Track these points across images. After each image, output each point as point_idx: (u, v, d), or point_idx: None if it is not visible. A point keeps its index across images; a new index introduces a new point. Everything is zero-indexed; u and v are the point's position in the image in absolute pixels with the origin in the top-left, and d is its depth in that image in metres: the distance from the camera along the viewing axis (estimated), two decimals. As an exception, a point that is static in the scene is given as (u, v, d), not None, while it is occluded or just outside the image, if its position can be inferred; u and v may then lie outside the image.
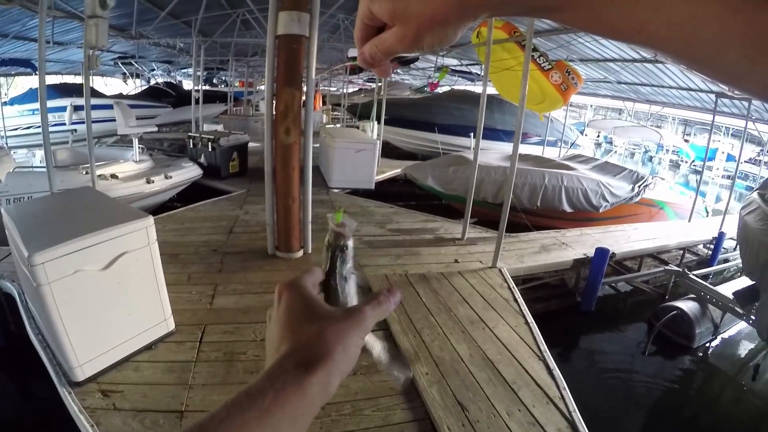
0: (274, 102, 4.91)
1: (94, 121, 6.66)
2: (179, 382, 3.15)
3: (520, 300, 4.82)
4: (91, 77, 9.01)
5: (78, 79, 17.07)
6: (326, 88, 28.07)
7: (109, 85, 24.56)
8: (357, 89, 31.46)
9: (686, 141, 24.99)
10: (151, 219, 3.28)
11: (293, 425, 0.43)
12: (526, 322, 4.38)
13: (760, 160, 21.53)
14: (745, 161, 21.56)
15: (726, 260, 8.86)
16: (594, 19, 0.32)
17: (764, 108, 10.44)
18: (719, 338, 6.51)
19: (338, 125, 18.08)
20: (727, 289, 6.13)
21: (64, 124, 12.82)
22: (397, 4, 0.36)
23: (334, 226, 0.62)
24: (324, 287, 0.60)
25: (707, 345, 6.34)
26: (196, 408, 2.91)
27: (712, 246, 8.56)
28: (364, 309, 0.52)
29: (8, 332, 4.50)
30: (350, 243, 0.63)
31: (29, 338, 3.52)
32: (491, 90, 8.59)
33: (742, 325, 6.60)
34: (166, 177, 8.18)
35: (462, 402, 3.17)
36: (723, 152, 25.27)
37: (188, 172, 8.80)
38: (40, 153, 7.47)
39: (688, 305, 6.26)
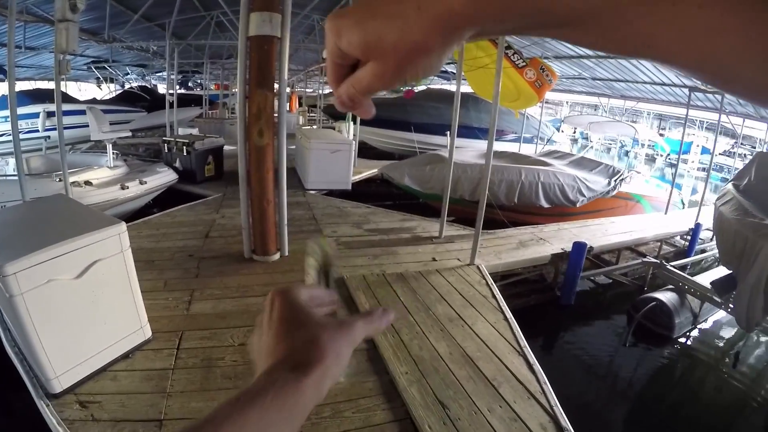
0: (246, 104, 4.88)
1: (67, 128, 6.57)
2: (157, 390, 3.11)
3: (499, 296, 4.85)
4: (64, 82, 8.88)
5: (51, 85, 16.77)
6: (302, 89, 27.96)
7: (83, 90, 24.24)
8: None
9: (661, 135, 25.35)
10: (123, 225, 3.24)
11: (290, 423, 0.45)
12: (505, 318, 4.40)
13: (734, 152, 21.93)
14: (719, 153, 21.99)
15: (703, 251, 9.02)
16: (600, 35, 0.29)
17: (737, 101, 10.65)
18: (699, 327, 6.62)
19: (314, 126, 18.03)
20: (705, 279, 6.23)
21: (38, 131, 12.59)
22: (369, 37, 0.32)
23: (321, 250, 0.66)
24: None
25: (687, 334, 6.45)
26: (175, 416, 2.87)
27: (689, 237, 8.71)
28: (356, 322, 0.54)
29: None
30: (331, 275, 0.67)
31: (5, 350, 3.44)
32: (466, 88, 8.64)
33: (721, 314, 6.73)
34: (141, 183, 8.07)
35: (443, 400, 3.17)
36: (698, 145, 25.71)
37: (163, 177, 8.70)
38: (12, 161, 7.31)
39: (666, 296, 6.36)
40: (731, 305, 5.72)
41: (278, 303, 0.54)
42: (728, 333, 6.71)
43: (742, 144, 22.07)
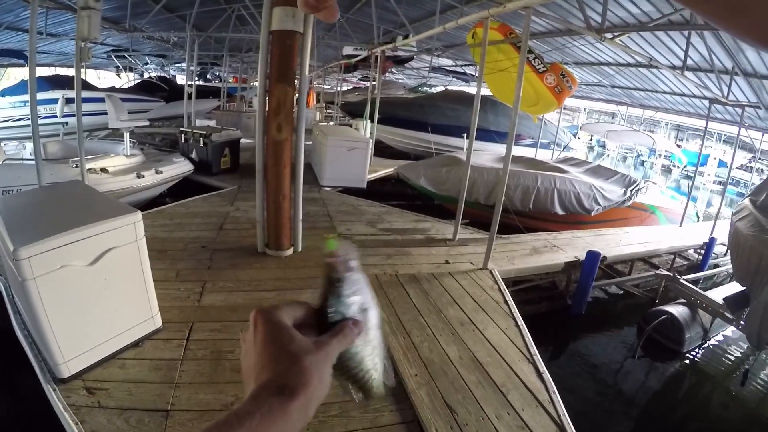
0: (266, 98, 4.88)
1: (85, 114, 6.59)
2: (165, 380, 3.11)
3: (511, 302, 4.81)
4: (83, 70, 8.93)
5: (71, 72, 16.93)
6: (320, 85, 27.99)
7: (102, 78, 24.38)
8: (351, 88, 31.39)
9: (678, 146, 25.09)
10: (139, 214, 3.24)
11: None
12: (517, 325, 4.36)
13: (751, 167, 21.66)
14: (736, 167, 21.71)
15: (716, 265, 8.90)
16: None
17: (756, 115, 10.50)
18: (709, 343, 6.52)
19: (331, 123, 18.04)
20: (718, 295, 6.13)
21: (56, 116, 12.70)
22: None
23: (325, 258, 0.59)
24: (317, 323, 0.59)
25: (697, 350, 6.36)
26: (182, 407, 2.87)
27: (702, 251, 8.60)
28: (332, 341, 0.55)
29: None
30: (350, 275, 0.59)
31: (15, 334, 3.46)
32: (485, 91, 8.60)
33: (731, 331, 6.63)
34: (157, 172, 8.12)
35: (451, 404, 3.15)
36: (715, 158, 25.43)
37: (179, 168, 8.75)
38: (30, 145, 7.38)
39: (678, 310, 6.27)
40: (743, 322, 5.63)
41: (261, 324, 0.55)
42: (738, 350, 6.60)
43: (760, 159, 21.79)
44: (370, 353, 0.63)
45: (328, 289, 0.58)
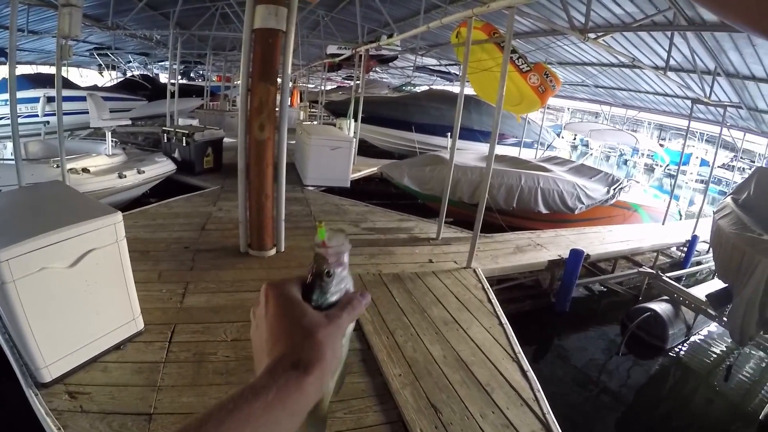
0: (248, 97, 4.85)
1: (66, 113, 6.53)
2: (148, 383, 3.08)
3: (495, 301, 4.83)
4: (65, 68, 8.82)
5: (53, 70, 16.72)
6: (304, 84, 27.91)
7: (84, 76, 24.11)
8: (335, 87, 31.32)
9: (661, 145, 25.38)
10: (119, 215, 3.20)
11: (291, 419, 0.47)
12: (501, 323, 4.38)
13: (733, 166, 21.96)
14: (718, 166, 22.00)
15: (699, 263, 9.02)
16: None
17: (738, 115, 10.65)
18: (692, 339, 6.61)
19: (315, 122, 18.00)
20: (700, 292, 6.22)
21: (37, 115, 12.53)
22: None
23: (315, 247, 0.57)
24: None
25: (680, 346, 6.44)
26: (165, 410, 2.84)
27: (685, 249, 8.71)
28: (342, 314, 0.56)
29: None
30: (339, 270, 0.57)
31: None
32: (469, 90, 8.62)
33: (714, 327, 6.72)
34: (139, 172, 8.03)
35: (435, 404, 3.15)
36: (697, 157, 25.75)
37: (162, 167, 8.66)
38: (10, 145, 7.27)
39: (661, 307, 6.34)
40: (725, 318, 5.71)
41: (272, 297, 0.56)
42: (721, 346, 6.69)
43: (741, 158, 22.10)
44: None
45: (314, 281, 0.57)
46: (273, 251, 5.46)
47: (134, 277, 3.43)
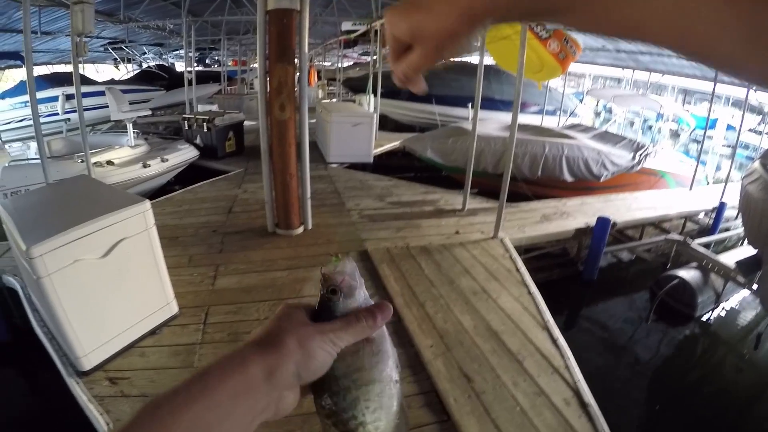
0: (267, 79, 4.84)
1: (86, 109, 6.59)
2: (185, 365, 3.16)
3: (523, 270, 4.81)
4: (81, 65, 8.91)
5: (69, 68, 16.89)
6: (321, 63, 27.77)
7: (100, 71, 24.36)
8: (352, 63, 31.08)
9: (686, 111, 24.77)
10: (148, 203, 3.25)
11: (233, 401, 0.43)
12: (530, 292, 4.37)
13: (760, 131, 21.32)
14: (746, 131, 21.36)
15: (727, 229, 8.79)
16: (593, 21, 0.34)
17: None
18: (721, 307, 6.49)
19: (334, 100, 17.93)
20: (729, 258, 6.08)
21: (58, 114, 12.72)
22: (414, 27, 0.41)
23: (325, 269, 0.53)
24: None
25: (709, 314, 6.32)
26: (203, 389, 2.90)
27: (713, 215, 8.48)
28: (336, 322, 0.52)
29: (14, 327, 4.49)
30: (349, 289, 0.53)
31: (35, 331, 3.51)
32: (488, 60, 8.49)
33: (744, 294, 6.59)
34: (163, 160, 8.13)
35: (467, 373, 3.17)
36: (723, 122, 25.03)
37: (185, 154, 8.75)
38: (34, 145, 7.40)
39: (690, 274, 6.22)
40: (755, 286, 5.61)
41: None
42: (751, 314, 6.54)
43: (769, 122, 21.46)
44: (372, 397, 0.53)
45: (321, 302, 0.54)
46: (300, 229, 5.52)
47: (165, 263, 3.50)
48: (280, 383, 0.47)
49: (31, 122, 5.58)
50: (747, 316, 6.50)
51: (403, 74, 0.46)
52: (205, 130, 9.28)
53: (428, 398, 2.97)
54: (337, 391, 0.51)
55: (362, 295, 0.55)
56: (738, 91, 15.50)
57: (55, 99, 12.81)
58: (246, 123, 10.30)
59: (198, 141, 9.41)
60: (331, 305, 0.53)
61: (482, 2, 0.37)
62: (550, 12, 0.36)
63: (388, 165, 10.43)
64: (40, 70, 15.69)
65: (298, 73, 4.92)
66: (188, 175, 8.68)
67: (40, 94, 5.55)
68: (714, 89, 9.90)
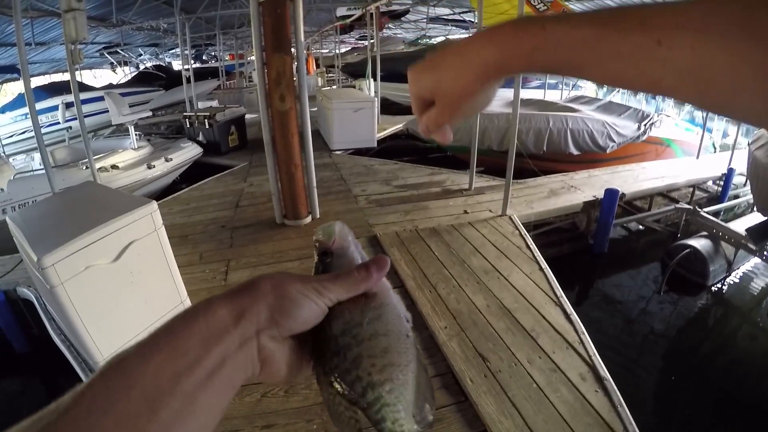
0: (265, 71, 4.83)
1: (87, 115, 6.61)
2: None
3: (533, 246, 4.79)
4: (78, 72, 8.90)
5: (66, 76, 16.90)
6: (318, 50, 27.63)
7: (98, 77, 24.31)
8: (350, 48, 30.89)
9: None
10: (154, 204, 3.25)
11: (203, 347, 0.38)
12: (541, 269, 4.35)
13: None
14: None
15: (736, 196, 8.69)
16: (609, 77, 0.35)
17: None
18: (733, 275, 6.43)
19: (334, 87, 17.86)
20: (740, 226, 6.01)
21: (59, 123, 12.78)
22: (432, 84, 0.45)
23: (316, 236, 0.53)
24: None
25: (721, 282, 6.27)
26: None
27: (721, 183, 8.36)
28: (323, 275, 0.49)
29: (32, 337, 4.55)
30: (342, 250, 0.52)
31: (53, 340, 3.54)
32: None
33: (755, 262, 6.54)
34: (167, 160, 8.16)
35: (482, 353, 3.18)
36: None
37: (188, 152, 8.79)
38: (38, 156, 7.44)
39: (700, 243, 6.16)
40: (766, 253, 5.56)
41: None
42: (763, 281, 6.49)
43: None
44: (378, 353, 0.46)
45: (316, 265, 0.52)
46: (308, 219, 5.53)
47: (177, 262, 3.50)
48: (253, 326, 0.41)
49: (33, 133, 5.59)
50: (759, 284, 6.45)
51: (427, 128, 0.50)
52: (207, 127, 9.31)
53: (445, 380, 2.98)
54: (337, 350, 0.45)
55: (357, 255, 0.53)
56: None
57: (55, 108, 12.87)
58: (247, 116, 10.33)
59: (201, 138, 9.44)
60: (325, 268, 0.51)
61: (495, 62, 0.40)
62: (564, 69, 0.37)
63: (392, 148, 10.43)
64: (37, 81, 15.73)
65: (295, 63, 4.91)
66: (194, 173, 8.70)
67: (39, 105, 5.54)
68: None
